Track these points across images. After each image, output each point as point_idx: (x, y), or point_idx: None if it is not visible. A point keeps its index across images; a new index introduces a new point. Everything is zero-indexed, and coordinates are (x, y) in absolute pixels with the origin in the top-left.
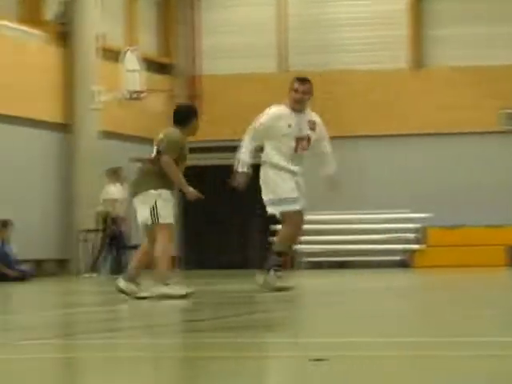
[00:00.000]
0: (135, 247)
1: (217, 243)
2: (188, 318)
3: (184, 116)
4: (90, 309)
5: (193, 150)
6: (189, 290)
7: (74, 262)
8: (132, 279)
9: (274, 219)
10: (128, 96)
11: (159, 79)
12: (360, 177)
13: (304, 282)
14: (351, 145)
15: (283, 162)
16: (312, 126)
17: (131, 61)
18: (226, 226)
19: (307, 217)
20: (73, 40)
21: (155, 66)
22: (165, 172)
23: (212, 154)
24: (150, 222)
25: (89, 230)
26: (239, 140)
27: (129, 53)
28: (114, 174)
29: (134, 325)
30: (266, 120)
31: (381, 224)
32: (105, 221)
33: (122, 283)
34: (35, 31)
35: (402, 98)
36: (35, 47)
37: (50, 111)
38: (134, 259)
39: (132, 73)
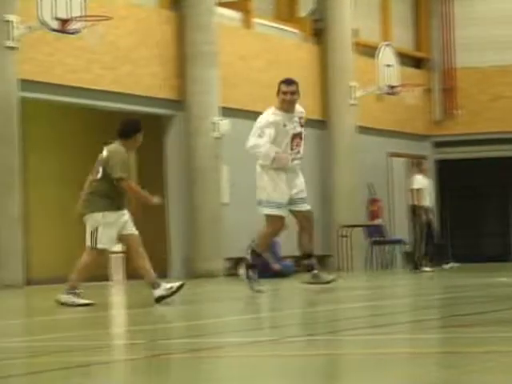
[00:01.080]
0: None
1: (475, 236)
2: (449, 313)
3: (128, 130)
4: (352, 305)
5: (448, 144)
6: (91, 301)
7: (335, 258)
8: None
9: None
10: (384, 91)
11: (414, 73)
12: None
13: None
14: None
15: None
16: (302, 122)
17: (387, 56)
18: (487, 223)
19: None
20: (328, 36)
21: (410, 60)
22: (112, 192)
23: (467, 148)
24: (88, 244)
25: (347, 226)
26: (495, 133)
27: (384, 47)
28: (418, 166)
29: (395, 320)
30: (265, 125)
31: None
32: (414, 212)
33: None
34: (291, 29)
35: None
36: (291, 44)
37: (307, 108)
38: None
39: (388, 68)
